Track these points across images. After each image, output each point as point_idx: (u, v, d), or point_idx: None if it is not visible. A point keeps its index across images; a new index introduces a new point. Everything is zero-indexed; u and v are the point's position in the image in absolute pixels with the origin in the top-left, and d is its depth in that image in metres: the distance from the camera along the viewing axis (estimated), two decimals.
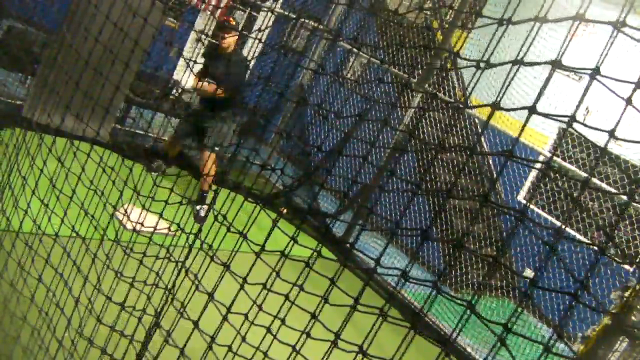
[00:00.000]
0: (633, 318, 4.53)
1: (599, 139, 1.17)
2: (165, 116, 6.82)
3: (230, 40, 5.71)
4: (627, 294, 4.66)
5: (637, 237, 6.49)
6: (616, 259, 5.93)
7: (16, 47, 6.21)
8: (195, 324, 2.02)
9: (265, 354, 1.70)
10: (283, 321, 1.67)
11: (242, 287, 1.87)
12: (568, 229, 6.77)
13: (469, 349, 5.58)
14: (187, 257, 2.20)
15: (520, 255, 7.24)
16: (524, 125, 1.22)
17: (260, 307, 1.79)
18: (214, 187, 5.81)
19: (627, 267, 6.18)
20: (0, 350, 2.95)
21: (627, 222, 6.56)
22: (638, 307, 4.55)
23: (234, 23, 5.94)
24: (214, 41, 6.11)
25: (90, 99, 2.86)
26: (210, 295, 1.97)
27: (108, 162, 2.53)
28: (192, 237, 2.25)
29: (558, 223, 7.09)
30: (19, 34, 6.32)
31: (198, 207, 5.74)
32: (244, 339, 1.80)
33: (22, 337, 2.83)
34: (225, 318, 1.88)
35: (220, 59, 5.79)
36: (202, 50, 6.41)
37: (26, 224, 2.97)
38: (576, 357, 4.41)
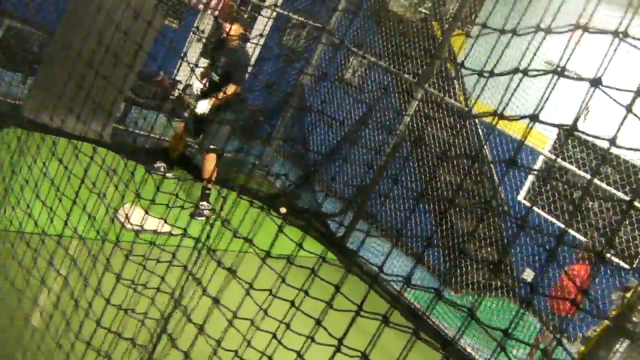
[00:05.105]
0: (634, 318, 4.53)
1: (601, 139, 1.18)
2: (166, 117, 6.82)
3: (236, 30, 5.78)
4: (628, 294, 4.66)
5: (637, 237, 6.49)
6: (618, 263, 5.93)
7: (16, 47, 6.21)
8: (201, 328, 2.03)
9: (270, 358, 1.70)
10: (288, 326, 1.68)
11: (235, 285, 1.87)
12: (570, 231, 6.75)
13: (469, 349, 5.58)
14: (195, 263, 2.19)
15: (520, 254, 7.24)
16: (527, 134, 1.23)
17: (263, 309, 1.80)
18: (216, 186, 5.81)
19: (627, 267, 6.17)
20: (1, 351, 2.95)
21: (627, 222, 6.56)
22: (639, 307, 4.55)
23: (235, 14, 5.97)
24: (219, 36, 6.07)
25: (88, 99, 2.86)
26: (215, 301, 1.98)
27: (107, 161, 2.53)
28: (196, 241, 2.25)
29: (558, 223, 7.08)
30: (19, 33, 6.31)
31: (201, 205, 5.73)
32: (248, 343, 1.80)
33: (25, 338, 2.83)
34: (230, 323, 1.89)
35: (226, 51, 5.86)
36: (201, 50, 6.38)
37: (28, 224, 2.98)
38: None
